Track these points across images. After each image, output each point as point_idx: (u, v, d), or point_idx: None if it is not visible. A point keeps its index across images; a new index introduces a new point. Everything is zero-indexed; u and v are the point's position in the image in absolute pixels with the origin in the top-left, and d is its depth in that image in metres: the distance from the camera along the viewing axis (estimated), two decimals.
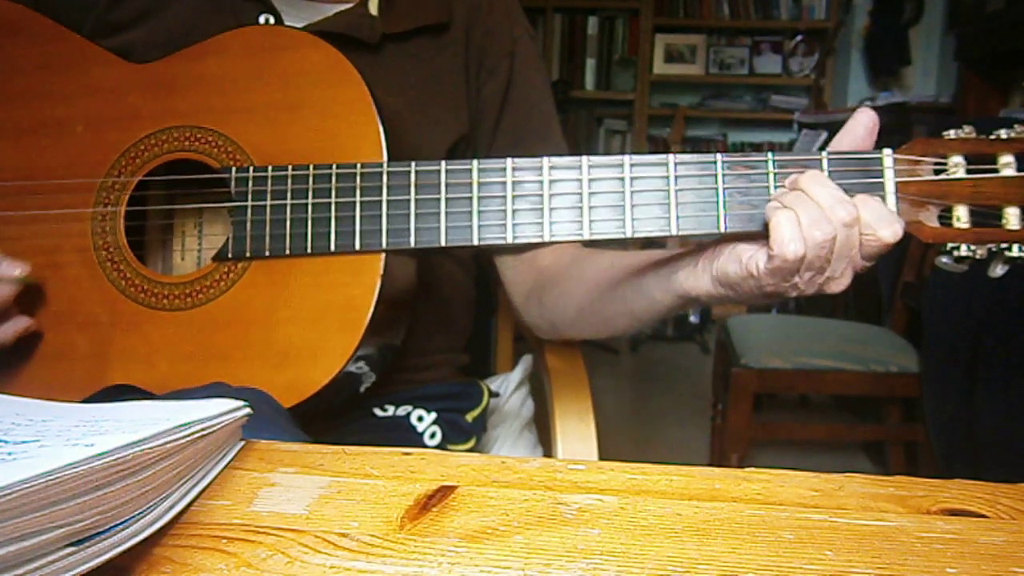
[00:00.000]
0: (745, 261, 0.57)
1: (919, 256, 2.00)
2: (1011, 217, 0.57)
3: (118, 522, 0.31)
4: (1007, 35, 2.52)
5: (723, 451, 2.00)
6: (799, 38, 3.86)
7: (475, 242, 0.63)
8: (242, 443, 0.44)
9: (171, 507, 0.35)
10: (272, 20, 0.75)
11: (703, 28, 3.96)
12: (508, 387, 0.99)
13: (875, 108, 0.58)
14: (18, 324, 0.66)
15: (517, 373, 1.01)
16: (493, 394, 0.85)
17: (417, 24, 0.78)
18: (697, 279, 0.61)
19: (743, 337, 2.00)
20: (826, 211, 0.54)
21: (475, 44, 0.82)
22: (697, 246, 0.63)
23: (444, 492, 0.38)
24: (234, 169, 0.66)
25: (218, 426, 0.39)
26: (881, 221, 0.55)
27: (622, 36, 3.98)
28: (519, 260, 0.84)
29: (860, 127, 0.59)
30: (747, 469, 0.41)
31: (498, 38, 0.83)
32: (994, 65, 2.69)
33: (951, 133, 0.58)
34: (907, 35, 3.33)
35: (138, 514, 0.32)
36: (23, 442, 0.32)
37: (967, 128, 0.58)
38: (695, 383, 3.08)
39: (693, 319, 3.61)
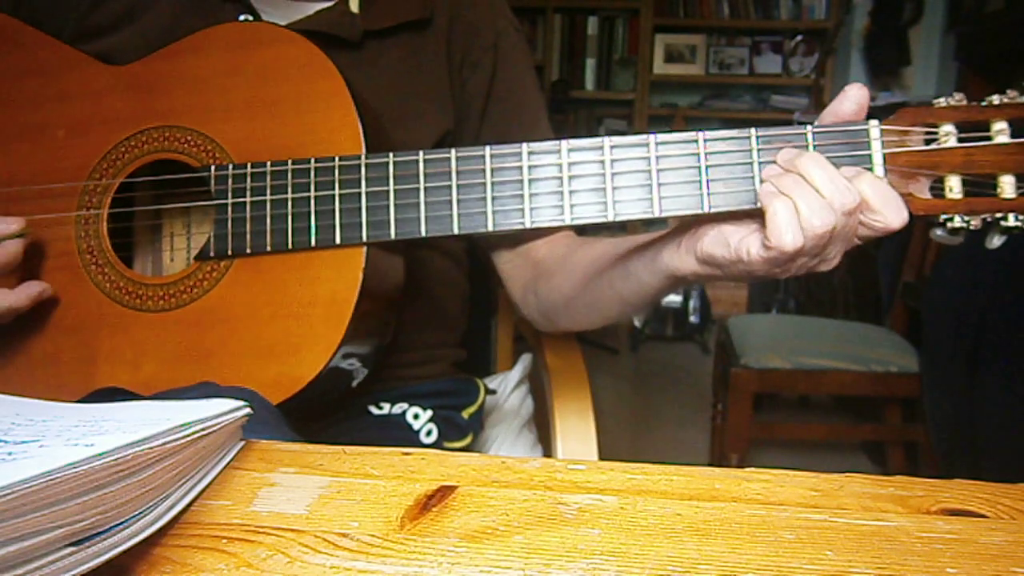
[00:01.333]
0: (735, 245, 0.56)
1: (919, 256, 2.00)
2: (1006, 185, 0.54)
3: (118, 522, 0.31)
4: (1007, 35, 2.53)
5: (723, 451, 2.00)
6: (799, 38, 3.86)
7: (455, 231, 0.62)
8: (242, 443, 0.44)
9: (171, 507, 0.35)
10: (252, 20, 0.74)
11: (703, 28, 3.96)
12: (507, 386, 0.99)
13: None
14: (31, 289, 0.65)
15: (516, 372, 1.01)
16: (489, 391, 0.85)
17: (399, 20, 0.78)
18: (681, 259, 0.60)
19: (743, 337, 2.00)
20: (827, 199, 0.52)
21: (457, 38, 0.82)
22: (680, 225, 0.62)
23: (444, 492, 0.38)
24: (213, 167, 0.66)
25: (218, 426, 0.39)
26: (889, 206, 0.53)
27: (622, 36, 3.97)
28: (515, 254, 0.84)
29: (851, 103, 0.56)
30: (747, 469, 0.41)
31: (481, 32, 0.83)
32: (994, 65, 2.69)
33: (941, 101, 0.56)
34: (907, 35, 3.33)
35: (138, 514, 0.32)
36: (23, 442, 0.32)
37: (958, 95, 0.56)
38: (695, 383, 3.08)
39: (693, 319, 3.61)
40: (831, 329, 2.13)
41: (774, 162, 0.56)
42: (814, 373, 1.91)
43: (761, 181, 0.56)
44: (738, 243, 0.56)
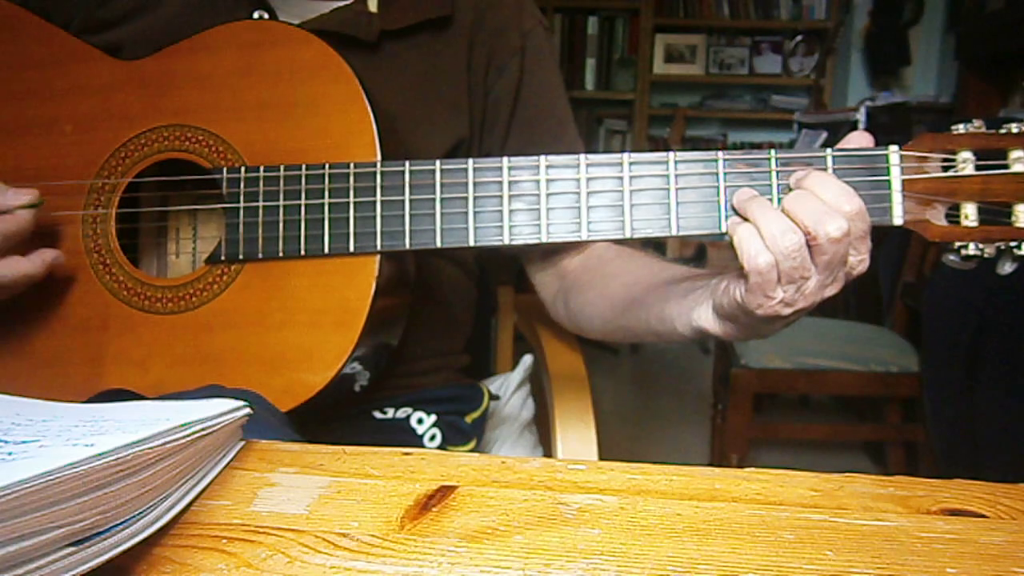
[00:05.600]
0: (732, 292, 0.57)
1: (919, 256, 2.00)
2: (1021, 214, 0.55)
3: (118, 522, 0.31)
4: (1007, 35, 2.52)
5: (723, 451, 2.00)
6: (799, 38, 3.86)
7: (471, 243, 0.62)
8: (242, 443, 0.44)
9: (171, 507, 0.35)
10: (266, 17, 0.73)
11: (703, 28, 3.96)
12: (508, 388, 0.99)
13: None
14: (45, 256, 0.64)
15: (517, 374, 1.00)
16: (493, 397, 0.85)
17: (417, 19, 0.76)
18: (708, 318, 0.61)
19: None
20: (807, 225, 0.53)
21: (482, 43, 0.79)
22: (714, 284, 0.62)
23: (444, 492, 0.38)
24: (225, 170, 0.65)
25: (218, 426, 0.39)
26: (819, 222, 0.53)
27: (622, 36, 3.97)
28: (546, 263, 0.82)
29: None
30: (747, 469, 0.41)
31: (507, 35, 0.80)
32: (994, 65, 2.69)
33: (960, 128, 0.56)
34: (907, 35, 3.33)
35: (138, 514, 0.32)
36: (23, 442, 0.32)
37: (976, 122, 0.56)
38: (695, 383, 3.08)
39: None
40: (831, 329, 2.13)
41: (787, 185, 0.58)
42: (814, 373, 1.91)
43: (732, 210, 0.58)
44: (734, 288, 0.57)
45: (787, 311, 0.56)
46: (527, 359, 1.01)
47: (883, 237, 2.23)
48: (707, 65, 3.96)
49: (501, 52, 0.80)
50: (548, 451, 0.88)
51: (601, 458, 0.66)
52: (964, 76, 2.82)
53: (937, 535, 0.35)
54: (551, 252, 0.81)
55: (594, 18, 3.96)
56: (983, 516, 0.37)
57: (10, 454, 0.30)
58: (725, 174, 0.58)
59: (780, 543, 0.34)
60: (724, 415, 2.09)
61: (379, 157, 0.64)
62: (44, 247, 0.67)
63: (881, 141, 0.58)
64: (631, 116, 4.01)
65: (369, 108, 0.64)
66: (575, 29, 3.97)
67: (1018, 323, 1.55)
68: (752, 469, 0.41)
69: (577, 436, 0.82)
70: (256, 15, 0.73)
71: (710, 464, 1.19)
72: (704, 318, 0.61)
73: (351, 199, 0.63)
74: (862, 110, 2.72)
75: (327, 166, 0.63)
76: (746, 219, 0.56)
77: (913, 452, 2.03)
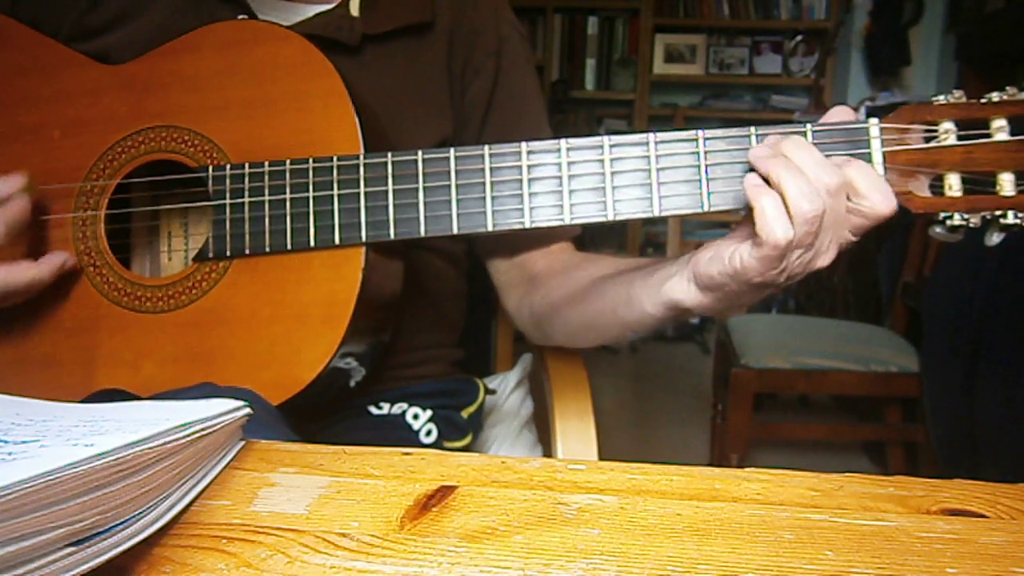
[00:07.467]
0: (728, 258, 0.56)
1: (919, 256, 2.00)
2: (1005, 183, 0.55)
3: (118, 522, 0.31)
4: (1007, 35, 2.53)
5: (723, 451, 2.00)
6: (799, 38, 3.86)
7: (455, 231, 0.62)
8: (242, 443, 0.44)
9: (171, 507, 0.35)
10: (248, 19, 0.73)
11: (703, 28, 3.96)
12: (507, 386, 0.99)
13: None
14: (55, 260, 0.65)
15: (516, 372, 1.01)
16: (489, 391, 0.85)
17: (399, 24, 0.77)
18: (684, 289, 0.60)
19: (743, 337, 2.00)
20: (811, 179, 0.52)
21: (460, 44, 0.81)
22: (682, 256, 0.62)
23: (444, 492, 0.38)
24: (210, 168, 0.66)
25: (218, 426, 0.39)
26: (876, 190, 0.53)
27: (622, 36, 3.97)
28: (511, 265, 0.83)
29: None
30: (747, 469, 0.41)
31: (484, 37, 0.82)
32: (994, 65, 2.69)
33: (940, 98, 0.56)
34: (907, 35, 3.33)
35: (138, 514, 0.32)
36: (23, 442, 0.32)
37: (957, 93, 0.56)
38: (695, 383, 3.08)
39: (693, 319, 3.60)
40: (831, 329, 2.13)
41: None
42: (814, 373, 1.91)
43: (748, 168, 0.56)
44: (731, 255, 0.56)
45: (782, 279, 0.55)
46: (526, 357, 1.01)
47: (883, 237, 2.23)
48: (707, 65, 3.96)
49: (477, 54, 0.81)
50: (547, 450, 0.88)
51: (601, 458, 0.66)
52: (964, 76, 2.82)
53: (937, 535, 0.35)
54: (517, 251, 0.82)
55: (594, 18, 3.96)
56: (983, 516, 0.37)
57: (10, 454, 0.30)
58: (706, 152, 0.58)
59: (780, 543, 0.34)
60: (724, 415, 2.09)
61: (363, 150, 0.64)
62: (39, 251, 0.67)
63: None
64: (631, 116, 4.01)
65: (351, 103, 0.65)
66: (575, 29, 3.97)
67: (1018, 324, 1.55)
68: (752, 469, 0.41)
69: (577, 435, 0.82)
70: (240, 19, 0.73)
71: (710, 464, 1.19)
72: (679, 289, 0.60)
73: (335, 192, 0.63)
74: (862, 110, 2.72)
75: (311, 160, 0.64)
76: (766, 179, 0.54)
77: (913, 452, 2.03)
